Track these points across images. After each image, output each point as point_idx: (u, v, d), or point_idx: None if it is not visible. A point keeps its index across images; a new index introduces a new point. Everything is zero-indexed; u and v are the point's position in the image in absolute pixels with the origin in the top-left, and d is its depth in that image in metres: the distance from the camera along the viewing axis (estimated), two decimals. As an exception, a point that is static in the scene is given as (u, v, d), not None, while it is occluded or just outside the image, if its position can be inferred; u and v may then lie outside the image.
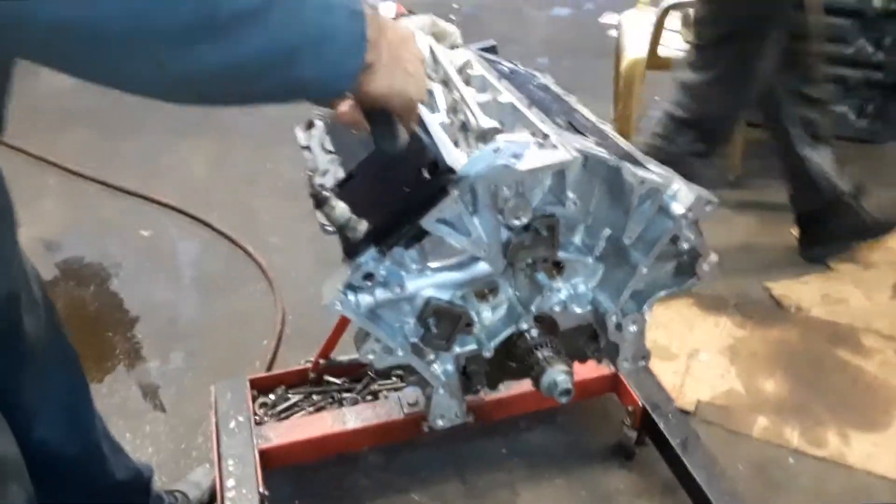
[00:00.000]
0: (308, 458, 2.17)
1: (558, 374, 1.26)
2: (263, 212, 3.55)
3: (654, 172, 1.21)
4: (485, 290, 1.26)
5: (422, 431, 1.96)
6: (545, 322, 1.31)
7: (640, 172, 1.19)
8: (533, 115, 1.25)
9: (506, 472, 2.33)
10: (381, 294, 1.17)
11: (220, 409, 2.20)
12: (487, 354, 1.29)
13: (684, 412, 2.49)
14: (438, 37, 1.57)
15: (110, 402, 2.59)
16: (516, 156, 1.13)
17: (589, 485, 2.30)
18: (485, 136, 1.22)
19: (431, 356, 1.28)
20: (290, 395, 2.33)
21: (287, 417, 2.28)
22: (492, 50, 1.76)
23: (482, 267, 1.22)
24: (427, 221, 1.12)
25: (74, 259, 3.34)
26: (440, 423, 1.36)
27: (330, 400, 2.32)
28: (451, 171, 1.11)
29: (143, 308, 3.04)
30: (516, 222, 1.19)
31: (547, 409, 2.41)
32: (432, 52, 1.47)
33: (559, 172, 1.18)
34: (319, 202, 1.09)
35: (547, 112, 1.33)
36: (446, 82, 1.40)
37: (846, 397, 2.53)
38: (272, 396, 2.34)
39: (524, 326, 1.29)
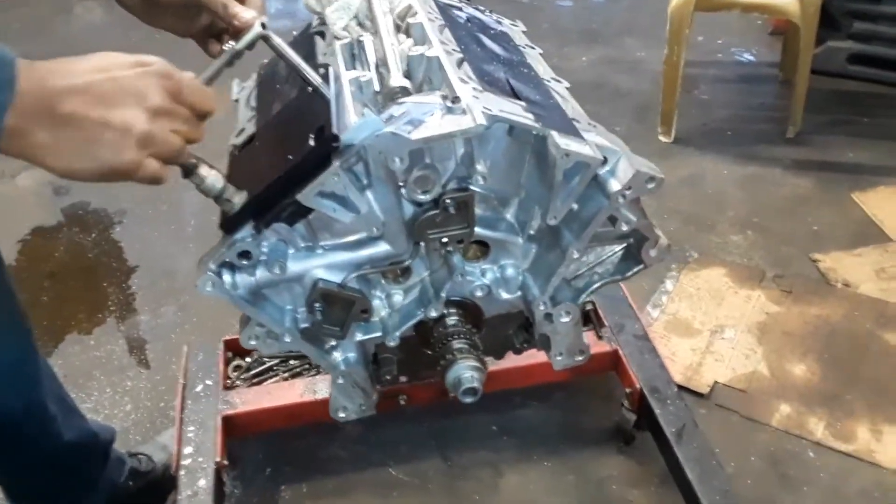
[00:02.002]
0: (274, 426, 2.15)
1: (464, 371, 1.16)
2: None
3: (592, 143, 1.07)
4: (396, 270, 1.16)
5: (398, 405, 1.91)
6: (468, 308, 1.20)
7: (570, 143, 1.05)
8: (455, 73, 1.12)
9: (492, 450, 2.26)
10: (262, 274, 1.09)
11: (190, 371, 2.18)
12: (392, 343, 1.20)
13: (698, 395, 2.35)
14: (383, -23, 1.43)
15: (95, 356, 2.63)
16: (414, 122, 1.01)
17: (579, 469, 2.20)
18: (393, 96, 1.10)
19: (331, 343, 1.20)
20: (265, 360, 2.29)
21: (260, 383, 2.24)
22: (461, -9, 1.61)
23: (383, 247, 1.12)
24: (306, 196, 1.02)
25: (80, 204, 3.38)
26: (341, 415, 1.28)
27: (307, 366, 2.27)
28: (335, 138, 1.00)
29: (141, 258, 3.06)
30: (422, 197, 1.08)
31: (544, 384, 2.31)
32: (367, -5, 1.34)
33: (470, 141, 1.06)
34: (186, 171, 1.00)
35: (482, 68, 1.20)
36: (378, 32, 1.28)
37: (885, 387, 2.34)
38: (248, 360, 2.30)
39: (432, 314, 1.19)
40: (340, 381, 1.25)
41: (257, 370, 2.28)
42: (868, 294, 2.67)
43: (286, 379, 2.27)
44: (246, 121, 1.33)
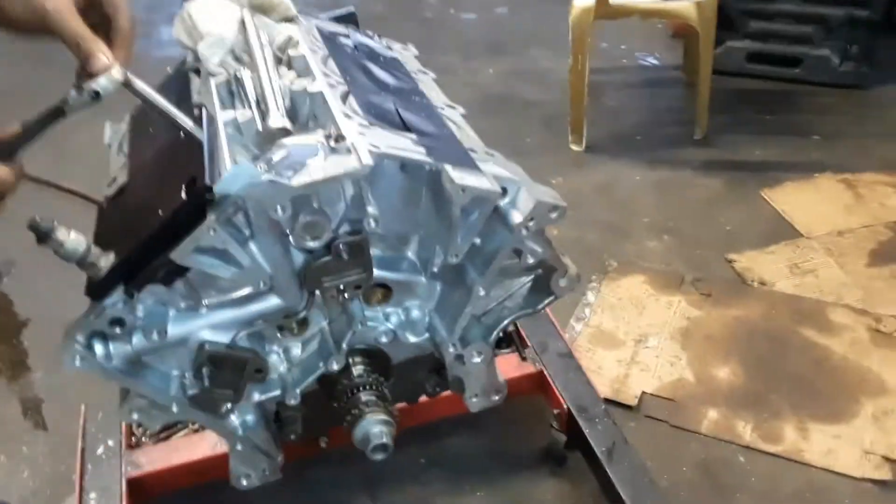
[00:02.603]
0: (186, 484, 2.01)
1: (373, 426, 1.09)
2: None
3: (490, 175, 1.02)
4: (292, 323, 1.08)
5: (319, 448, 1.82)
6: (374, 356, 1.13)
7: (465, 177, 1.00)
8: (339, 108, 1.05)
9: (422, 485, 2.19)
10: (139, 341, 0.99)
11: (89, 433, 2.04)
12: (293, 401, 1.12)
13: (626, 408, 2.34)
14: (263, 8, 1.36)
15: (-15, 422, 2.43)
16: (294, 166, 0.94)
17: (514, 496, 2.15)
18: (272, 137, 1.02)
19: (226, 406, 1.11)
20: (173, 412, 2.16)
21: (167, 438, 2.11)
22: (349, 18, 1.55)
23: (273, 301, 1.04)
24: (181, 254, 0.94)
25: (-37, 257, 3.16)
26: (244, 483, 1.19)
27: (219, 415, 2.16)
28: (208, 189, 0.92)
29: (33, 311, 2.87)
30: (312, 244, 1.01)
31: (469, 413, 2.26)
32: (244, 28, 1.26)
33: (358, 182, 0.99)
34: (40, 236, 0.90)
35: (369, 100, 1.13)
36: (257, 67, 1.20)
37: (808, 384, 2.37)
38: (154, 413, 2.16)
39: (334, 367, 1.12)
40: (239, 447, 1.16)
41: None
42: (784, 291, 2.72)
43: (196, 431, 2.14)
44: (118, 168, 1.23)
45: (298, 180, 0.93)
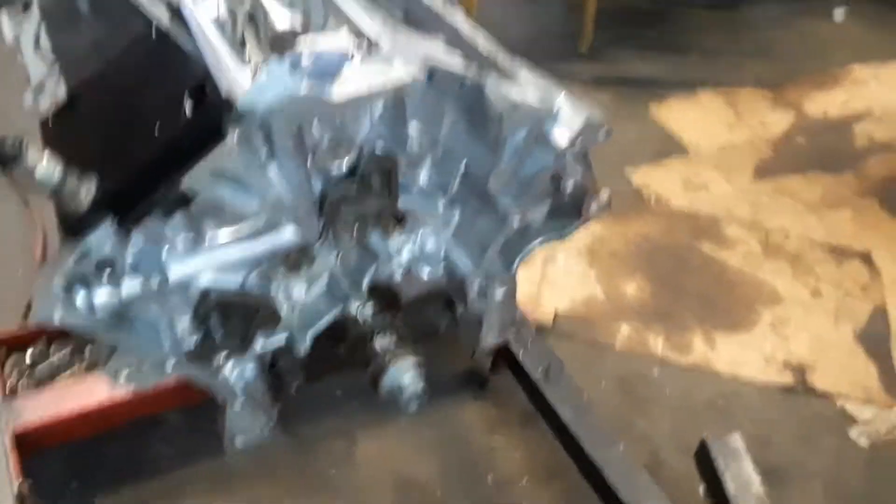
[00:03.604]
0: (82, 434, 1.81)
1: (405, 373, 0.99)
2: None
3: (529, 84, 0.91)
4: (295, 258, 0.94)
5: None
6: (381, 294, 1.02)
7: (510, 90, 0.88)
8: (353, 5, 0.89)
9: (341, 416, 2.10)
10: (129, 287, 0.82)
11: (-45, 381, 1.76)
12: (303, 348, 0.99)
13: (541, 327, 2.35)
14: None
15: None
16: (325, 75, 0.79)
17: (438, 422, 2.12)
18: (282, 40, 0.85)
19: (221, 359, 0.96)
20: (53, 351, 1.92)
21: (51, 382, 1.88)
22: None
23: (287, 234, 0.89)
24: (194, 180, 0.76)
25: None
26: (239, 442, 1.06)
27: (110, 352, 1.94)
28: (226, 102, 0.75)
29: None
30: (335, 168, 0.86)
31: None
32: None
33: (396, 97, 0.85)
34: (5, 160, 0.70)
35: (372, -4, 0.98)
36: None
37: (710, 297, 2.48)
38: (29, 354, 1.91)
39: (353, 309, 0.99)
40: (239, 406, 1.02)
41: (45, 367, 1.91)
42: (680, 207, 2.81)
43: (83, 372, 1.92)
44: (43, 74, 1.00)
45: (340, 94, 0.78)
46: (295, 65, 0.79)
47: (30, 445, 1.72)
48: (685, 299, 2.47)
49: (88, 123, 0.87)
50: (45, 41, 1.04)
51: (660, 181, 2.91)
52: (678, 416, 2.16)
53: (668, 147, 3.10)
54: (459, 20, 1.06)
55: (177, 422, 2.01)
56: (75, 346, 1.95)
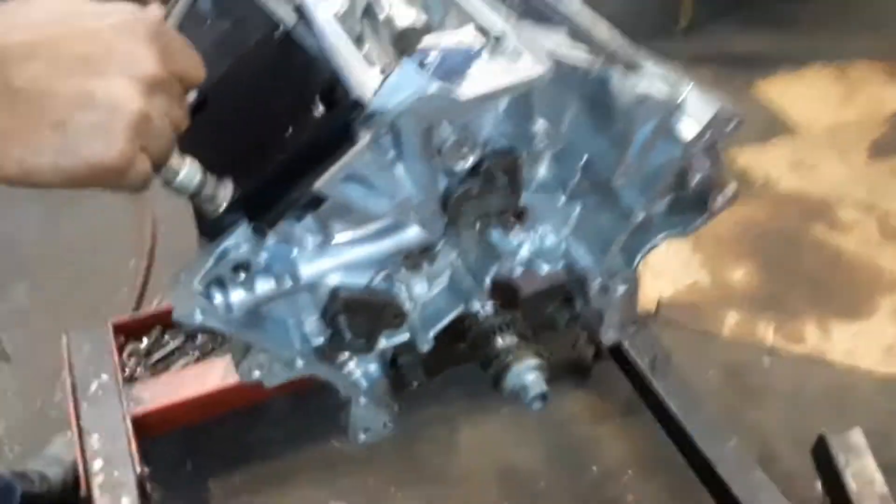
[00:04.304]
0: (197, 418, 1.89)
1: (527, 373, 0.99)
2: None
3: (655, 76, 0.89)
4: (416, 256, 0.95)
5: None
6: (501, 290, 1.02)
7: (637, 82, 0.86)
8: (472, 0, 0.89)
9: (443, 404, 2.12)
10: (263, 287, 0.85)
11: (77, 367, 1.87)
12: (425, 346, 1.00)
13: (644, 315, 2.31)
14: None
15: (-64, 356, 2.21)
16: (454, 72, 0.79)
17: (539, 412, 2.11)
18: (405, 38, 0.86)
19: (344, 356, 0.99)
20: (168, 339, 2.01)
21: (166, 369, 1.96)
22: None
23: (412, 233, 0.90)
24: (328, 183, 0.78)
25: None
26: (363, 437, 1.08)
27: (221, 340, 2.01)
28: (357, 104, 0.76)
29: (-30, 228, 2.59)
30: (459, 165, 0.87)
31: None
32: None
33: (522, 93, 0.85)
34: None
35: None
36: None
37: (824, 283, 2.40)
38: (145, 342, 2.00)
39: (476, 307, 1.00)
40: (363, 400, 1.04)
41: (160, 354, 2.00)
42: (789, 189, 2.72)
43: (198, 360, 2.00)
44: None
45: (470, 92, 0.78)
46: (423, 64, 0.80)
47: (147, 429, 1.81)
48: (797, 286, 2.40)
49: (220, 126, 0.89)
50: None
51: (766, 162, 2.81)
52: (791, 408, 2.10)
53: (775, 127, 2.99)
54: (579, 10, 1.04)
55: (284, 407, 2.08)
56: (188, 334, 2.03)
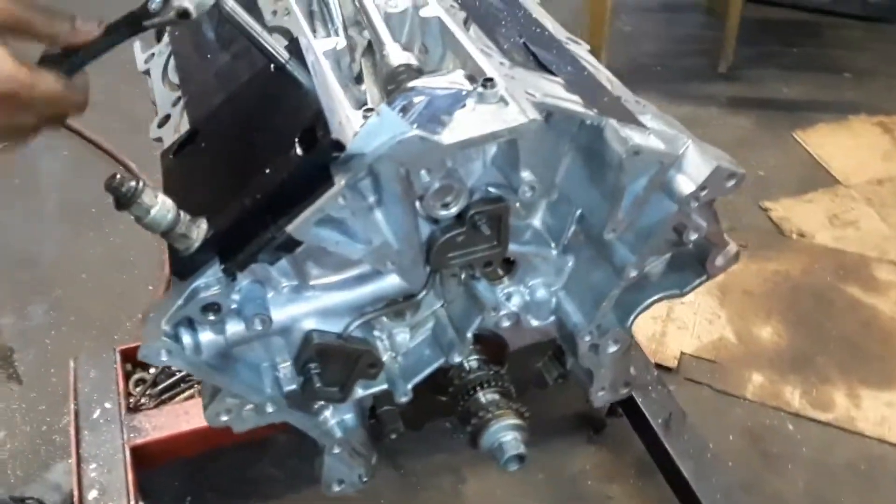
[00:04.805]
0: (196, 451, 1.88)
1: (504, 434, 0.97)
2: (152, 117, 3.08)
3: (653, 130, 0.87)
4: (399, 305, 0.94)
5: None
6: (488, 343, 1.00)
7: (633, 134, 0.84)
8: (470, 41, 0.88)
9: (449, 452, 2.08)
10: (233, 329, 0.84)
11: (82, 393, 1.88)
12: (403, 399, 0.98)
13: (664, 369, 2.26)
14: None
15: (-51, 373, 2.24)
16: (438, 119, 0.78)
17: (549, 465, 2.07)
18: (395, 78, 0.86)
19: (320, 404, 0.97)
20: (175, 369, 2.00)
21: (171, 399, 1.96)
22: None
23: (391, 281, 0.89)
24: (300, 227, 0.77)
25: None
26: (336, 489, 1.06)
27: (226, 373, 2.01)
28: (336, 145, 0.75)
29: (-4, 244, 2.64)
30: (442, 213, 0.85)
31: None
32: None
33: (509, 140, 0.83)
34: (120, 200, 0.72)
35: (492, 30, 0.96)
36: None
37: (857, 346, 2.32)
38: (153, 370, 2.01)
39: (456, 359, 0.98)
40: (337, 450, 1.03)
41: (166, 383, 2.00)
42: (824, 244, 2.65)
43: (201, 391, 2.00)
44: (170, 105, 1.04)
45: (451, 137, 0.77)
46: (408, 106, 0.79)
47: (147, 460, 1.80)
48: (827, 348, 2.32)
49: (206, 159, 0.90)
50: (172, 72, 1.09)
51: (803, 215, 2.75)
52: (814, 477, 2.03)
53: (814, 178, 2.93)
54: (583, 53, 1.03)
55: (288, 444, 2.06)
56: (194, 364, 2.03)
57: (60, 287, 2.48)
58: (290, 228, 0.77)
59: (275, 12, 1.02)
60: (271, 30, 0.98)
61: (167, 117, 1.02)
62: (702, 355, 2.30)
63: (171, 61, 1.10)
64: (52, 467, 1.95)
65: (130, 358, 2.00)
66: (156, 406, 1.94)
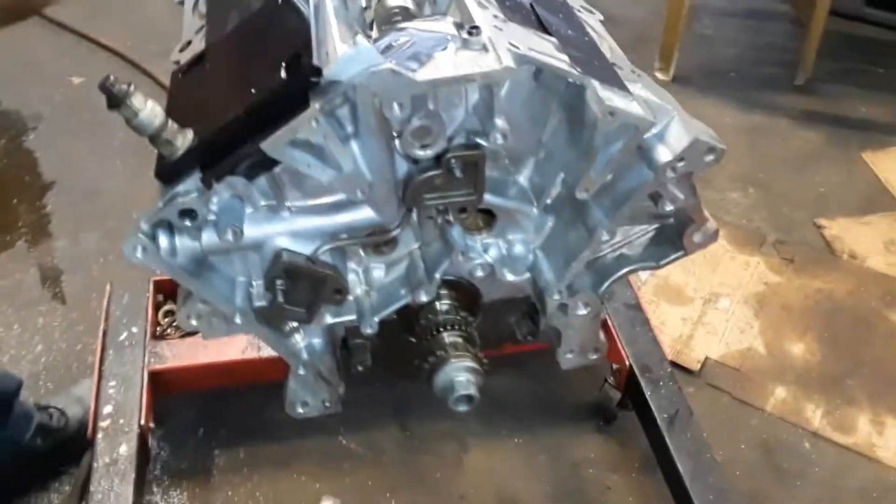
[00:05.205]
0: (210, 385, 1.97)
1: (458, 373, 1.01)
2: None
3: (640, 99, 0.89)
4: (381, 241, 0.98)
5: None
6: (462, 290, 1.03)
7: (614, 98, 0.87)
8: (474, -6, 0.92)
9: (457, 421, 2.12)
10: (209, 239, 0.90)
11: (113, 316, 1.99)
12: (369, 330, 1.03)
13: (686, 371, 2.25)
14: None
15: (1, 285, 2.39)
16: (419, 57, 0.82)
17: (553, 448, 2.09)
18: (390, 18, 0.90)
19: (292, 325, 1.02)
20: (203, 305, 2.10)
21: (195, 332, 2.05)
22: None
23: (366, 213, 0.93)
24: (273, 145, 0.83)
25: (-13, 103, 3.07)
26: (300, 411, 1.12)
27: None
28: (315, 71, 0.80)
29: (59, 172, 2.80)
30: (420, 153, 0.90)
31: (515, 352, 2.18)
32: None
33: (488, 87, 0.87)
34: (112, 100, 0.79)
35: (501, -14, 0.99)
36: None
37: (891, 374, 2.25)
38: (182, 304, 2.10)
39: (422, 298, 1.02)
40: (302, 371, 1.08)
41: (192, 318, 2.09)
42: (875, 268, 2.58)
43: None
44: (193, 32, 1.11)
45: (425, 74, 0.81)
46: (391, 45, 0.83)
47: (163, 386, 1.90)
48: (859, 371, 2.27)
49: (207, 79, 0.96)
50: (203, 3, 1.16)
51: (857, 236, 2.68)
52: (823, 498, 1.99)
53: (877, 201, 2.85)
54: (595, 24, 1.05)
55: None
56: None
57: (114, 219, 2.61)
58: (263, 145, 0.82)
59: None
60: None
61: (188, 43, 1.09)
62: (727, 362, 2.28)
63: (204, -5, 1.17)
64: (80, 383, 2.07)
65: (164, 290, 2.10)
66: (181, 337, 2.03)
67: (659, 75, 3.41)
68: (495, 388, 2.20)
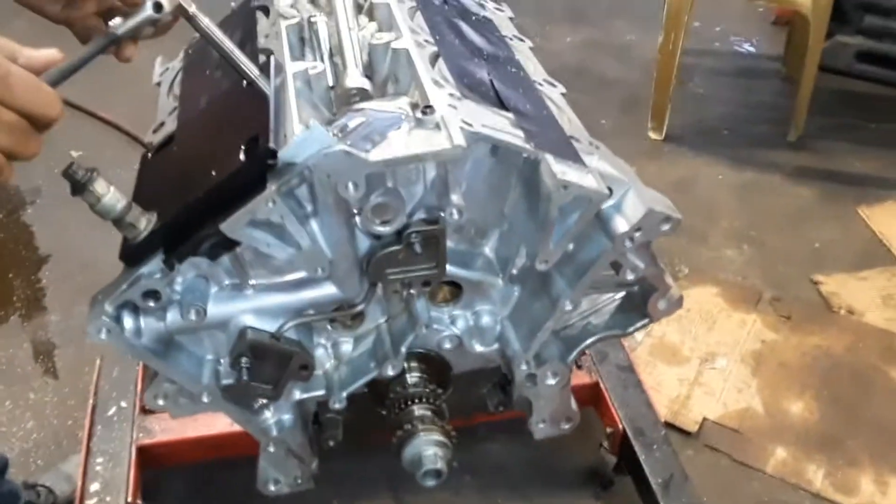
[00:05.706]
0: (200, 458, 1.96)
1: (427, 447, 1.01)
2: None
3: (595, 171, 0.92)
4: (346, 316, 1.00)
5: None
6: (432, 363, 1.04)
7: (567, 171, 0.89)
8: (428, 73, 0.96)
9: (452, 491, 2.11)
10: (174, 319, 0.92)
11: (102, 390, 2.00)
12: (338, 405, 1.04)
13: (684, 433, 2.23)
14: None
15: (-7, 361, 2.42)
16: (373, 137, 0.85)
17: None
18: (348, 99, 0.93)
19: (261, 402, 1.04)
20: (193, 378, 2.11)
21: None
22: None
23: (329, 289, 0.95)
24: (232, 226, 0.85)
25: (-13, 179, 3.14)
26: (271, 488, 1.12)
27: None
28: (270, 153, 0.83)
29: (55, 246, 2.85)
30: (381, 229, 0.92)
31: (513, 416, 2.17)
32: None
33: (443, 164, 0.90)
34: (75, 187, 0.82)
35: (461, 66, 1.03)
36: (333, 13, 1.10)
37: (891, 433, 2.23)
38: (172, 377, 2.11)
39: (389, 372, 1.03)
40: (272, 448, 1.09)
41: (182, 390, 2.09)
42: (873, 324, 2.57)
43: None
44: (167, 113, 1.15)
45: (377, 155, 0.84)
46: (346, 126, 0.86)
47: (153, 461, 1.90)
48: (860, 430, 2.25)
49: (173, 161, 0.99)
50: (178, 86, 1.21)
51: (855, 292, 2.68)
52: (826, 563, 1.96)
53: (873, 256, 2.86)
54: (556, 96, 1.09)
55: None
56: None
57: (108, 292, 2.63)
58: (223, 226, 0.85)
59: (267, 36, 1.12)
60: (260, 51, 1.08)
61: (162, 124, 1.12)
62: (725, 423, 2.27)
63: (179, 77, 1.21)
64: (69, 459, 2.07)
65: (153, 362, 2.11)
66: (169, 410, 2.03)
67: (652, 135, 3.46)
68: (490, 456, 2.19)
